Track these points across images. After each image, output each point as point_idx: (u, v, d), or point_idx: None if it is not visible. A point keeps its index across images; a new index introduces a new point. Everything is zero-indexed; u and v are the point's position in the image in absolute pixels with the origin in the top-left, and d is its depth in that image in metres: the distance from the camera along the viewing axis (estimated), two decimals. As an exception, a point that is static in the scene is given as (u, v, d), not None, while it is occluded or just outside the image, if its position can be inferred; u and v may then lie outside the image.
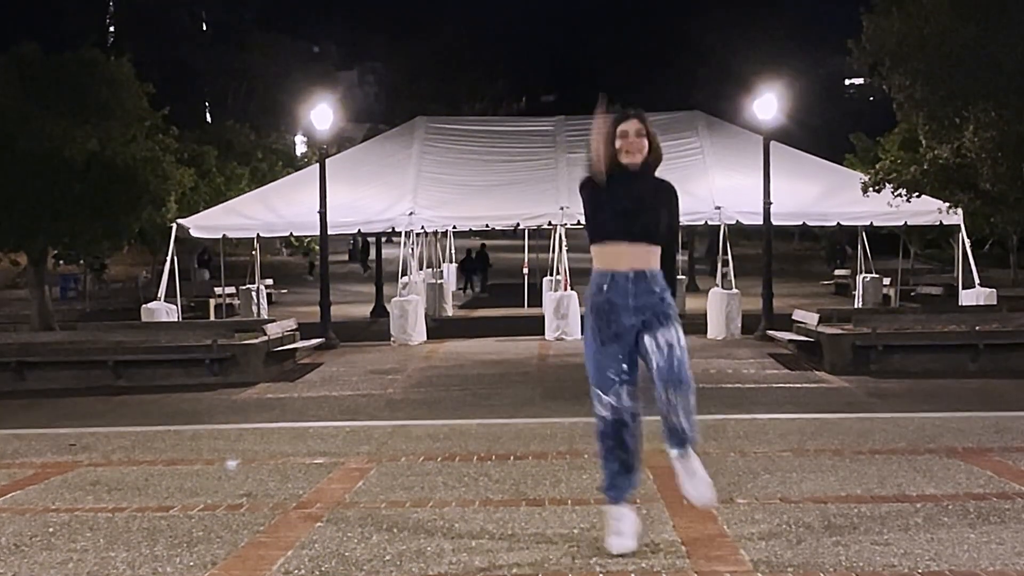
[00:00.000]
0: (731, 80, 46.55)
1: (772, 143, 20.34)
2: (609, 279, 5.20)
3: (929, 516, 5.96)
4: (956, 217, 20.69)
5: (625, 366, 5.21)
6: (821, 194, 22.13)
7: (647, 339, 5.14)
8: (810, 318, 17.13)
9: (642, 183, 5.29)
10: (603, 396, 5.22)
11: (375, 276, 29.03)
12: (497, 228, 24.33)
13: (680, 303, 25.13)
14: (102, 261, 34.08)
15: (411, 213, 21.27)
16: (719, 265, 21.79)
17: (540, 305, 23.76)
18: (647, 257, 5.20)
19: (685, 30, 64.85)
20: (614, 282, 5.19)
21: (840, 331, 16.03)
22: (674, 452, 5.23)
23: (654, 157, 5.35)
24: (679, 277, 26.70)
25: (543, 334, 20.32)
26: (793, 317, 17.95)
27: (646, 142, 5.29)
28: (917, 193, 18.80)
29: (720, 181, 22.10)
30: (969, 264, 21.60)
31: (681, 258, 33.73)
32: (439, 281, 27.72)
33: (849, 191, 20.53)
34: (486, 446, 8.53)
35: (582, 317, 20.12)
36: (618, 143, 5.26)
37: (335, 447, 8.78)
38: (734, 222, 21.44)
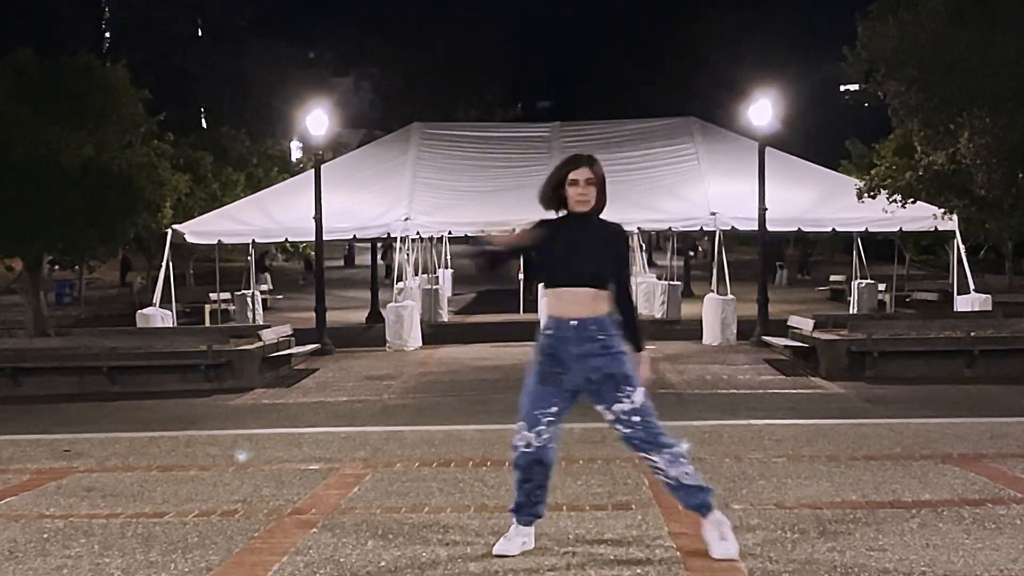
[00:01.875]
0: (726, 86, 46.65)
1: (767, 149, 20.36)
2: (555, 325, 5.29)
3: (924, 522, 5.96)
4: (951, 223, 20.73)
5: (555, 408, 5.29)
6: (816, 200, 22.16)
7: (604, 410, 5.27)
8: (805, 324, 17.14)
9: (589, 228, 5.34)
10: (526, 432, 5.28)
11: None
12: (493, 234, 24.30)
13: (675, 309, 25.23)
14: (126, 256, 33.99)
15: (407, 218, 21.28)
16: (714, 271, 21.79)
17: (535, 311, 23.74)
18: (594, 303, 5.25)
19: (680, 36, 64.85)
20: (559, 329, 5.27)
21: (835, 337, 16.04)
22: (703, 521, 5.31)
23: (600, 204, 5.39)
24: (674, 283, 26.76)
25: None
26: (788, 323, 17.96)
27: (595, 190, 5.33)
28: (912, 199, 18.85)
29: (715, 187, 22.12)
30: (964, 270, 21.63)
31: (677, 263, 33.77)
32: (435, 287, 27.72)
33: (844, 197, 20.57)
34: (481, 452, 8.53)
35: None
36: (568, 190, 5.32)
37: (330, 453, 8.77)
38: (729, 228, 21.46)
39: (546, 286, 5.36)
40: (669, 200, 22.21)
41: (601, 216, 5.42)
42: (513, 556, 5.33)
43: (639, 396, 5.25)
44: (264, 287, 38.35)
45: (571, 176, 5.31)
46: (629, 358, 5.31)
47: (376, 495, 7.01)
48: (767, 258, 21.19)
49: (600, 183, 5.35)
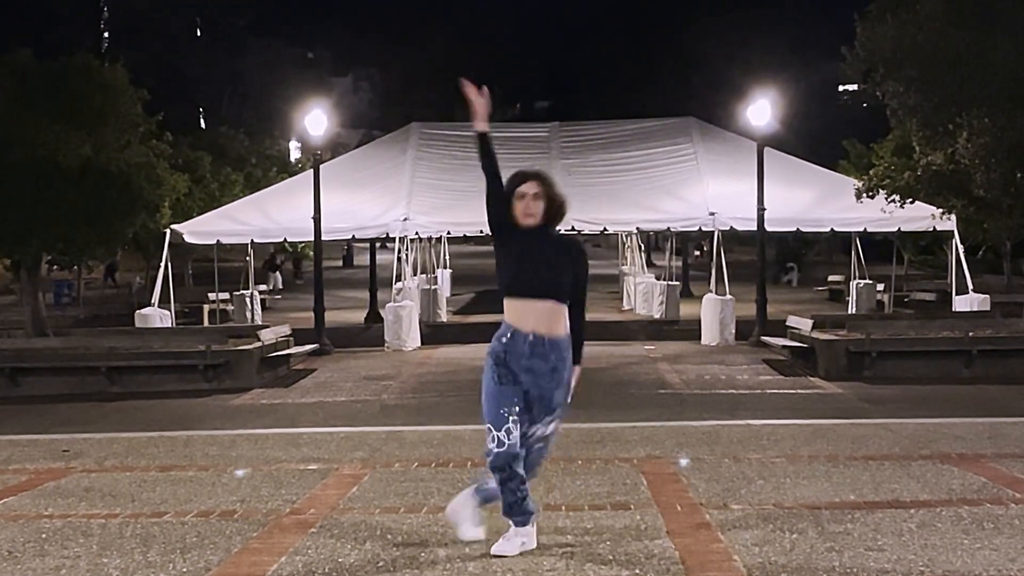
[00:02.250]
0: (725, 86, 46.65)
1: (766, 149, 20.36)
2: (510, 335, 5.34)
3: (923, 522, 5.97)
4: (949, 223, 20.73)
5: (518, 408, 5.34)
6: (815, 200, 22.16)
7: (525, 424, 5.37)
8: (804, 324, 17.14)
9: (545, 241, 5.38)
10: (496, 433, 5.31)
11: (370, 282, 28.98)
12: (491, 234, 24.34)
13: (674, 309, 25.22)
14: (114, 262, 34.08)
15: (405, 219, 21.27)
16: (713, 271, 21.79)
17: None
18: (551, 317, 5.31)
19: (679, 37, 64.95)
20: (513, 340, 5.33)
21: (834, 337, 16.04)
22: (514, 523, 5.49)
23: (557, 213, 5.43)
24: (672, 283, 26.74)
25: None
26: (787, 323, 17.95)
27: (542, 204, 5.35)
28: (911, 199, 18.84)
29: (714, 187, 22.12)
30: (962, 270, 21.63)
31: (676, 264, 33.75)
32: (433, 287, 27.71)
33: (843, 197, 20.57)
34: (480, 452, 8.51)
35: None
36: (516, 204, 5.35)
37: (329, 453, 8.77)
38: (728, 228, 21.47)
39: (505, 294, 5.39)
40: (668, 200, 22.22)
41: (561, 231, 5.54)
42: (511, 556, 5.33)
43: (555, 425, 5.47)
44: (274, 286, 38.60)
45: (519, 190, 5.35)
46: (571, 382, 5.47)
47: (375, 495, 7.01)
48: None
49: (552, 194, 5.38)
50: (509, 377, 5.32)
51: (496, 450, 5.30)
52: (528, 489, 5.44)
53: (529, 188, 5.34)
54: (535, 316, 5.27)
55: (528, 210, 5.31)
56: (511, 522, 5.48)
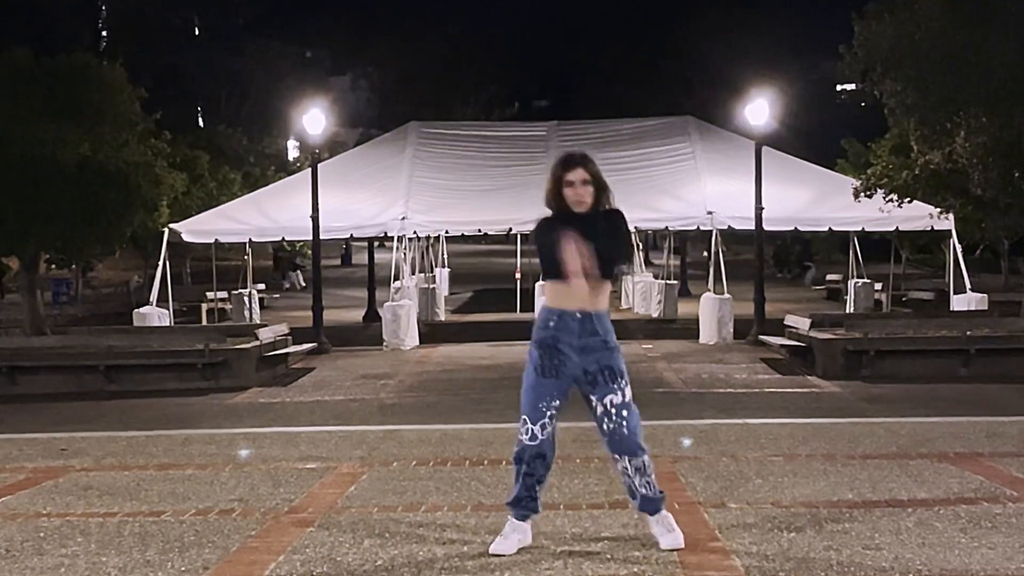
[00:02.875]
0: (723, 85, 46.63)
1: (764, 148, 20.37)
2: (557, 317, 5.34)
3: (920, 521, 5.97)
4: (947, 222, 20.74)
5: (557, 402, 5.36)
6: (813, 199, 22.18)
7: (595, 401, 5.35)
8: (802, 323, 17.15)
9: (592, 222, 5.35)
10: (531, 426, 5.33)
11: (368, 281, 28.98)
12: (490, 233, 24.37)
13: (672, 308, 25.23)
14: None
15: (403, 218, 21.27)
16: (711, 270, 21.81)
17: (532, 310, 23.73)
18: (596, 296, 5.32)
19: (677, 36, 64.86)
20: (562, 320, 5.32)
21: (832, 336, 16.05)
22: (650, 518, 5.47)
23: (604, 197, 5.44)
24: (671, 282, 26.76)
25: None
26: (785, 322, 17.97)
27: (591, 188, 5.36)
28: (908, 198, 18.86)
29: (712, 186, 22.13)
30: (960, 269, 21.65)
31: (673, 263, 33.75)
32: (432, 286, 27.71)
33: (841, 196, 20.58)
34: (478, 451, 8.53)
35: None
36: (566, 191, 5.36)
37: (327, 452, 8.77)
38: (726, 227, 21.48)
39: (550, 278, 5.37)
40: (666, 199, 22.22)
41: (605, 208, 5.46)
42: (509, 555, 5.34)
43: (629, 392, 5.37)
44: (291, 285, 38.66)
45: (567, 177, 5.36)
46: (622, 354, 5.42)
47: (373, 494, 7.01)
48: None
49: (597, 179, 5.39)
50: (554, 367, 5.31)
51: (527, 443, 5.33)
52: (542, 489, 5.49)
53: (577, 175, 5.35)
54: (581, 296, 5.27)
55: (577, 196, 5.33)
56: (510, 515, 5.48)
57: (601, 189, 5.41)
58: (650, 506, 5.41)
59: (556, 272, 5.29)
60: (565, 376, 5.32)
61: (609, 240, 5.33)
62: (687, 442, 8.93)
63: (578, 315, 5.29)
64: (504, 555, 5.34)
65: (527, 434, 5.33)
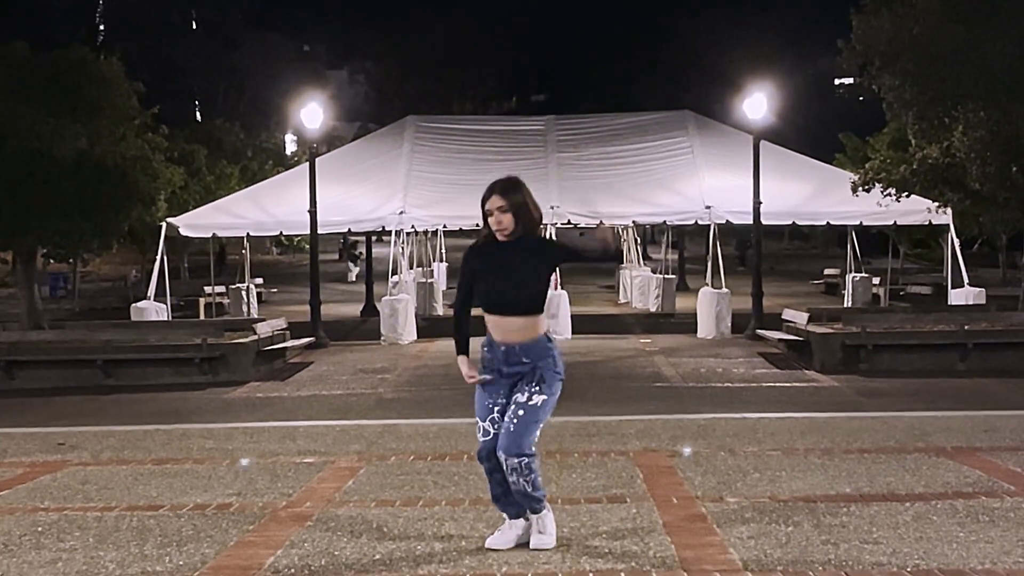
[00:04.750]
0: (721, 80, 46.58)
1: (762, 142, 20.36)
2: (489, 344, 5.43)
3: (918, 515, 5.98)
4: (945, 217, 20.74)
5: (503, 400, 5.40)
6: (811, 194, 22.16)
7: (511, 398, 5.38)
8: (800, 317, 17.15)
9: (515, 253, 5.34)
10: (481, 422, 5.43)
11: (366, 275, 28.94)
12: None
13: (670, 302, 25.22)
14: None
15: (401, 212, 21.25)
16: (709, 264, 21.80)
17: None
18: (524, 330, 5.34)
19: (675, 30, 64.81)
20: (492, 348, 5.41)
21: (830, 330, 16.06)
22: (531, 516, 5.47)
23: (528, 223, 5.37)
24: (669, 276, 26.73)
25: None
26: (783, 316, 17.97)
27: (510, 216, 5.31)
28: (906, 193, 18.85)
29: (710, 181, 22.12)
30: (958, 263, 21.64)
31: (672, 257, 33.75)
32: (429, 280, 27.70)
33: (839, 191, 20.56)
34: (476, 445, 8.51)
35: (572, 316, 20.24)
36: (489, 220, 5.38)
37: (325, 446, 8.77)
38: (724, 222, 21.48)
39: (483, 309, 5.43)
40: (663, 194, 22.21)
41: (551, 230, 5.55)
42: (506, 550, 5.34)
43: (538, 399, 5.31)
44: (352, 277, 38.67)
45: (486, 206, 5.37)
46: (558, 383, 5.41)
47: (371, 488, 7.01)
48: (759, 250, 21.17)
49: (517, 208, 5.32)
50: (491, 373, 5.40)
51: (481, 439, 5.39)
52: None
53: (493, 203, 5.33)
54: (507, 330, 5.34)
55: (496, 224, 5.32)
56: (504, 514, 5.49)
57: (524, 215, 5.34)
58: (529, 503, 5.38)
59: (483, 304, 5.42)
60: (501, 389, 5.40)
61: (533, 271, 5.34)
62: (685, 436, 8.92)
63: (502, 348, 5.35)
64: (500, 549, 5.35)
65: (480, 431, 5.41)
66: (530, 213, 5.36)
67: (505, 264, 5.33)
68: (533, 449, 5.30)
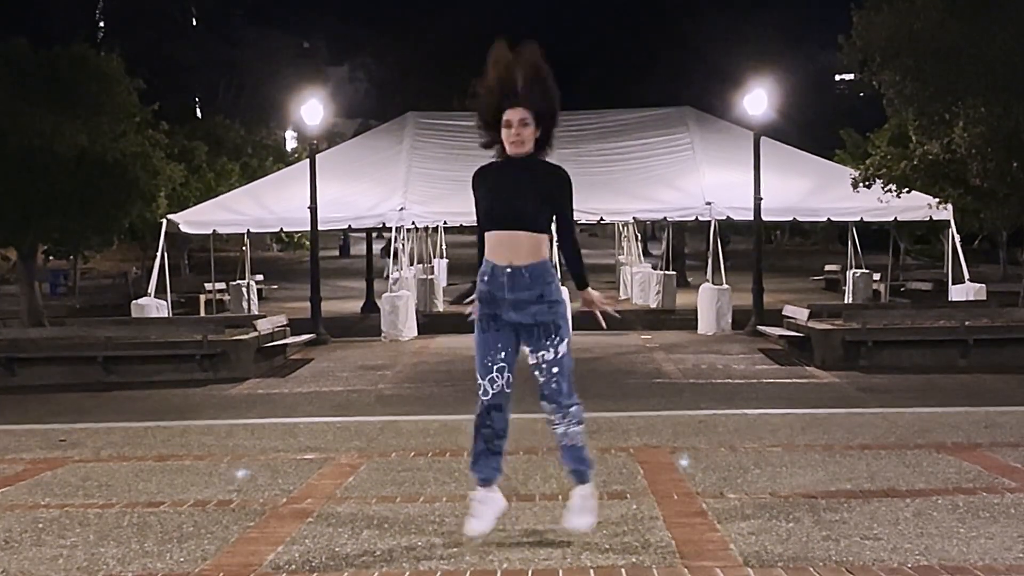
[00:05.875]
0: (721, 76, 46.45)
1: (762, 139, 20.38)
2: (490, 270, 5.23)
3: (919, 511, 5.97)
4: (946, 213, 20.75)
5: (503, 354, 5.27)
6: (811, 190, 22.18)
7: (530, 356, 5.30)
8: (800, 313, 17.17)
9: (526, 170, 5.22)
10: (481, 382, 5.30)
11: (366, 272, 28.94)
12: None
13: (670, 299, 25.22)
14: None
15: (402, 208, 21.27)
16: (709, 261, 21.81)
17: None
18: (528, 248, 5.15)
19: (675, 26, 64.71)
20: (493, 275, 5.21)
21: (830, 326, 16.07)
22: (574, 491, 5.43)
23: (544, 142, 5.26)
24: (668, 273, 26.72)
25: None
26: (783, 313, 17.98)
27: (531, 131, 5.17)
28: (907, 189, 18.86)
29: (710, 177, 22.13)
30: (959, 259, 21.66)
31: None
32: (430, 276, 27.71)
33: (839, 187, 20.58)
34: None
35: (572, 313, 20.24)
36: (503, 132, 5.19)
37: (325, 443, 8.77)
38: (724, 218, 21.49)
39: (482, 230, 5.29)
40: (664, 190, 22.22)
41: (547, 160, 5.31)
42: (508, 544, 5.34)
43: (563, 348, 5.25)
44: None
45: (505, 116, 5.17)
46: (566, 307, 5.30)
47: (371, 485, 7.01)
48: (760, 246, 21.16)
49: (540, 119, 5.19)
50: (493, 323, 5.24)
51: (482, 399, 5.30)
52: (503, 445, 5.41)
53: (515, 115, 5.16)
54: (512, 247, 5.14)
55: (515, 138, 5.16)
56: (477, 487, 5.41)
57: (549, 129, 5.23)
58: (575, 464, 5.37)
59: (484, 222, 5.26)
60: (505, 328, 5.24)
61: (548, 196, 5.21)
62: (686, 432, 8.92)
63: (508, 269, 5.15)
64: (478, 534, 5.33)
65: (480, 390, 5.31)
66: (554, 123, 5.22)
67: (519, 180, 5.19)
68: (577, 397, 5.32)
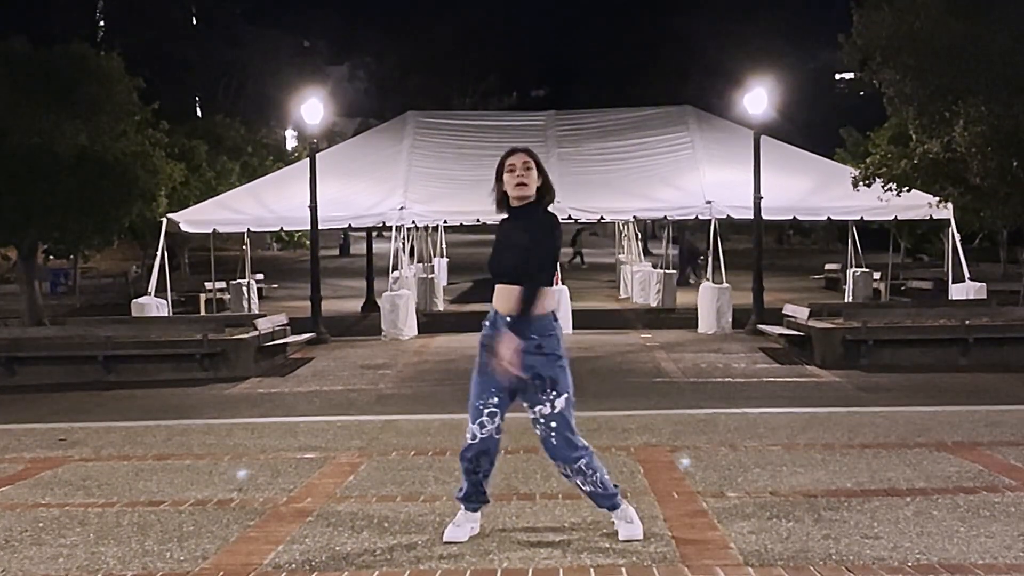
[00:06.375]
0: (722, 75, 46.59)
1: (763, 137, 20.35)
2: (493, 318, 5.35)
3: (919, 510, 5.98)
4: (946, 212, 20.72)
5: (495, 400, 5.33)
6: (812, 189, 22.15)
7: (528, 411, 5.35)
8: (800, 312, 17.15)
9: (526, 222, 5.31)
10: (471, 425, 5.37)
11: (367, 271, 28.92)
12: (488, 223, 24.34)
13: (670, 297, 25.21)
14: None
15: (402, 208, 21.24)
16: (710, 259, 21.79)
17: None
18: (515, 299, 5.21)
19: (675, 25, 64.76)
20: (496, 323, 5.32)
21: (830, 325, 16.05)
22: (612, 514, 5.50)
23: (547, 188, 5.39)
24: (669, 271, 26.70)
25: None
26: (783, 311, 17.97)
27: (534, 174, 5.32)
28: (907, 187, 18.84)
29: (711, 176, 22.11)
30: (959, 258, 21.64)
31: (672, 252, 33.70)
32: (430, 276, 27.70)
33: (839, 186, 20.55)
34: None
35: (573, 312, 20.23)
36: (506, 177, 5.34)
37: (326, 442, 8.77)
38: (725, 217, 21.47)
39: (495, 278, 5.38)
40: (664, 189, 22.20)
41: (548, 209, 5.40)
42: (508, 545, 5.34)
43: (560, 403, 5.27)
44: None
45: (508, 162, 5.33)
46: (565, 361, 5.33)
47: (371, 484, 7.01)
48: (760, 245, 21.17)
49: (541, 168, 5.36)
50: (487, 366, 5.30)
51: (469, 442, 5.35)
52: (488, 481, 5.50)
53: (518, 159, 5.31)
54: (507, 299, 5.24)
55: (520, 179, 5.28)
56: (461, 507, 5.53)
57: (546, 177, 5.38)
58: (604, 502, 5.43)
59: (492, 272, 5.38)
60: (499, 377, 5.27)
61: (527, 244, 5.24)
62: (686, 432, 8.92)
63: (507, 318, 5.23)
64: (457, 542, 5.42)
65: (468, 433, 5.37)
66: (549, 179, 5.38)
67: (511, 234, 5.31)
68: (583, 443, 5.32)
